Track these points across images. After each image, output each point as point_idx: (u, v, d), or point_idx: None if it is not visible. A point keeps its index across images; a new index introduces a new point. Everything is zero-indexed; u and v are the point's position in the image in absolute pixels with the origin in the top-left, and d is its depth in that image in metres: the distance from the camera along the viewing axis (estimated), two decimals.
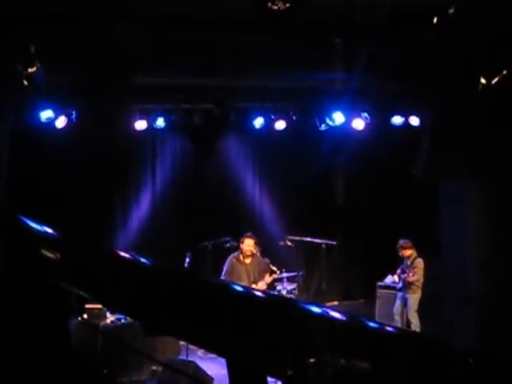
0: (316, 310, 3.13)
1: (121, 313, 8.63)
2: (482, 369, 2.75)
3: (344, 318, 3.06)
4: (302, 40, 10.41)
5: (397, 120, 12.77)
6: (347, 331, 2.82)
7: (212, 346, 3.55)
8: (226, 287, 4.19)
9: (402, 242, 12.38)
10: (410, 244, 12.34)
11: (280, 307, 3.26)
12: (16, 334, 4.09)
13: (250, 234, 12.18)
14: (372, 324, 3.21)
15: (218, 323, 3.10)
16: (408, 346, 2.94)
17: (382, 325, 3.42)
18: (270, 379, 3.12)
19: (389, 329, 3.36)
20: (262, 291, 9.83)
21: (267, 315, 3.03)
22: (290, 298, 11.44)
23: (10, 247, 4.37)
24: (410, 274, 12.12)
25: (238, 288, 4.17)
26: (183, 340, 8.40)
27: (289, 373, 2.60)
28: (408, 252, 12.35)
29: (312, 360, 2.53)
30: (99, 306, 10.33)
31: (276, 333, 2.85)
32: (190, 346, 10.85)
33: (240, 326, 3.00)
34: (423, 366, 2.70)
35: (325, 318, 2.92)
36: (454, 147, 11.12)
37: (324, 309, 3.20)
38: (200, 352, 11.30)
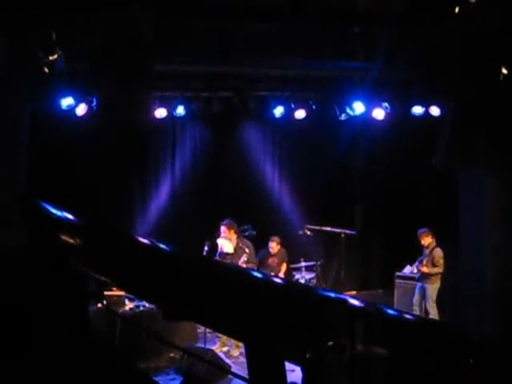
0: (334, 295, 3.13)
1: (140, 298, 8.67)
2: (500, 356, 2.74)
3: (362, 305, 3.06)
4: (323, 28, 10.36)
5: (417, 110, 12.72)
6: (365, 317, 2.82)
7: (230, 331, 3.57)
8: (245, 273, 4.21)
9: (420, 230, 12.37)
10: (429, 233, 12.30)
11: (298, 292, 3.27)
12: (36, 317, 4.13)
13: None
14: (390, 311, 3.20)
15: (236, 308, 3.11)
16: (426, 333, 2.92)
17: (400, 312, 3.41)
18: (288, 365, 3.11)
19: (407, 316, 3.35)
20: (280, 278, 9.86)
21: (285, 300, 3.04)
22: (309, 285, 11.46)
23: (31, 233, 4.41)
24: (425, 262, 12.10)
25: (257, 274, 4.18)
26: (203, 325, 8.40)
27: (307, 356, 2.61)
28: (427, 240, 12.32)
29: (330, 343, 2.53)
30: (118, 293, 10.41)
31: (294, 317, 2.85)
32: (208, 334, 10.91)
33: (258, 310, 3.01)
34: (441, 353, 2.69)
35: (343, 302, 2.92)
36: (475, 137, 11.03)
37: (342, 295, 3.20)
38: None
